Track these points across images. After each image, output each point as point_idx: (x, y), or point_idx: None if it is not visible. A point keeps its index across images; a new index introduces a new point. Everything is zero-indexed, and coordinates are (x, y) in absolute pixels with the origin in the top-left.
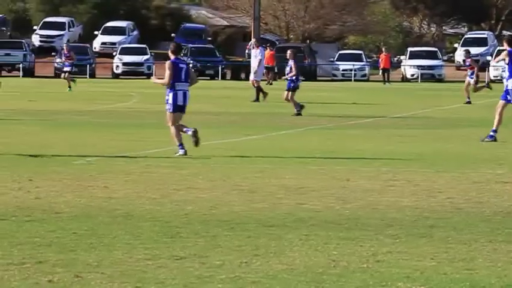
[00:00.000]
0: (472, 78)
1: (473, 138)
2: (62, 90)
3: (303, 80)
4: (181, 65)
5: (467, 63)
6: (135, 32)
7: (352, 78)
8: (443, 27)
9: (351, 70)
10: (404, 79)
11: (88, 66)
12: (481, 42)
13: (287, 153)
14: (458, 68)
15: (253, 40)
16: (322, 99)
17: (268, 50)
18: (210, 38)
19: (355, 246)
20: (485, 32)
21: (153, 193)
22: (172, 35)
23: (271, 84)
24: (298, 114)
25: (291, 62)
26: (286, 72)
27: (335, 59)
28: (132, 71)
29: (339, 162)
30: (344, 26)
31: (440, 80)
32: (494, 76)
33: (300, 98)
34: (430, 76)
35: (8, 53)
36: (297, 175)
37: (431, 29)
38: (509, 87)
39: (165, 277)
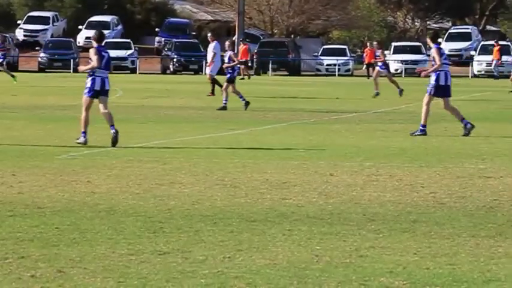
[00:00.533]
0: (383, 68)
1: (456, 133)
2: (46, 84)
3: (287, 75)
4: (103, 53)
5: (377, 54)
6: (119, 27)
7: (336, 73)
8: (428, 22)
9: (334, 65)
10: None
11: (72, 60)
12: (465, 37)
13: (270, 147)
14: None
15: (209, 34)
16: (306, 94)
17: (241, 44)
18: (194, 33)
19: (338, 241)
20: (469, 26)
21: (135, 188)
22: (157, 29)
23: (249, 78)
24: (224, 108)
25: (229, 53)
26: (226, 62)
27: (319, 53)
28: (116, 66)
29: (322, 157)
30: (328, 21)
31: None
32: (478, 71)
33: (284, 92)
34: (414, 71)
35: None
36: (279, 170)
37: (416, 23)
38: (431, 81)
39: (148, 272)
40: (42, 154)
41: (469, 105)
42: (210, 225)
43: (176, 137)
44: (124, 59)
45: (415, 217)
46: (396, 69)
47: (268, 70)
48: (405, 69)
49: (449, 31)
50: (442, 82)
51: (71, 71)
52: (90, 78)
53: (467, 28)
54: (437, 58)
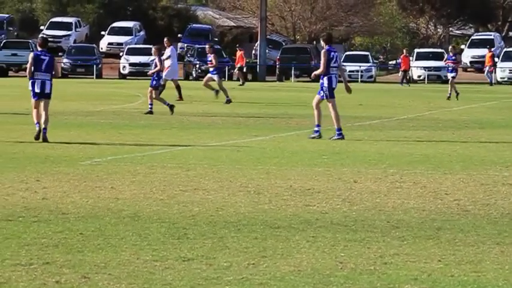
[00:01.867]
0: (213, 73)
1: (480, 140)
2: (69, 90)
3: (309, 81)
4: (43, 57)
5: (209, 59)
6: (142, 33)
7: (359, 79)
8: (450, 29)
9: (357, 71)
10: (411, 80)
11: (94, 66)
12: (488, 43)
13: (293, 154)
14: (465, 69)
15: (165, 39)
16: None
17: (238, 50)
18: (216, 39)
19: (362, 248)
20: (492, 33)
21: (159, 194)
22: (179, 35)
23: (242, 84)
24: (150, 112)
25: (156, 59)
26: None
27: (341, 60)
28: (139, 72)
29: (345, 164)
30: (350, 27)
31: (447, 81)
32: (501, 78)
33: (307, 98)
34: (436, 77)
35: (14, 53)
36: (303, 176)
37: (438, 30)
38: (324, 84)
39: (172, 278)
40: (65, 160)
41: (492, 112)
42: (234, 232)
43: (199, 143)
44: (147, 64)
45: (440, 224)
46: (419, 76)
47: (291, 76)
48: (428, 75)
49: (472, 37)
50: (334, 85)
51: (94, 76)
52: (30, 82)
53: (490, 35)
54: (323, 60)
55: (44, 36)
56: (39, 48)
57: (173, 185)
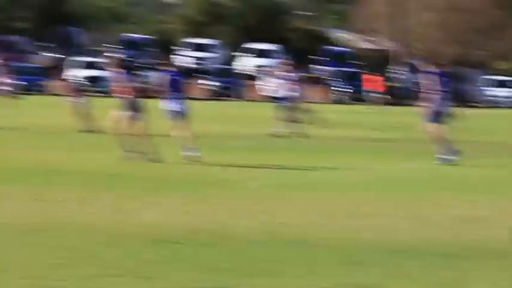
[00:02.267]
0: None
1: None
2: (218, 112)
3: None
4: (175, 78)
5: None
6: (280, 55)
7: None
8: None
9: (507, 97)
10: None
11: (238, 88)
12: None
13: (450, 180)
14: None
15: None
16: (486, 127)
17: (370, 74)
18: (355, 62)
19: None
20: None
21: (323, 219)
22: (317, 57)
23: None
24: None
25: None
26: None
27: (488, 85)
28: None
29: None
30: (490, 51)
31: None
32: None
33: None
34: None
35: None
36: (461, 204)
37: None
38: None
39: None
40: (225, 183)
41: None
42: (404, 259)
43: (364, 167)
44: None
45: None
46: None
47: None
48: None
49: None
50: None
51: (239, 98)
52: (168, 103)
53: None
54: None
55: (166, 59)
56: (162, 68)
57: (336, 209)
